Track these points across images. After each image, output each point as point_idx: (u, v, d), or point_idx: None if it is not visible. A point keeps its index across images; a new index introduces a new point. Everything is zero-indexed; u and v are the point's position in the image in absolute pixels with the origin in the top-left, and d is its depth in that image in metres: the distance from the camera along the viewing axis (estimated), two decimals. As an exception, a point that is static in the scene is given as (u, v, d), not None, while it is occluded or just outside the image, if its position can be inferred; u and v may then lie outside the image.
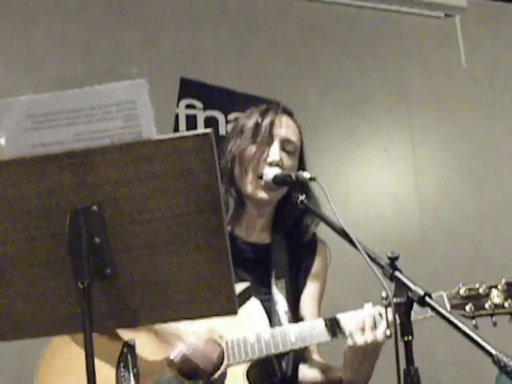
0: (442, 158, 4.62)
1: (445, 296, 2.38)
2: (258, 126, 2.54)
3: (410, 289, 1.92)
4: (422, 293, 1.90)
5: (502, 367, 1.68)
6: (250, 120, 2.57)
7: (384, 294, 2.22)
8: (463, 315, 2.35)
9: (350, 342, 2.32)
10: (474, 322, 2.34)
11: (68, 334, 2.07)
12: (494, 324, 2.32)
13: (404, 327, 1.93)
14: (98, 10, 4.12)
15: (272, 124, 2.54)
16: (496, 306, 2.35)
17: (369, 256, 2.05)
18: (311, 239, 2.64)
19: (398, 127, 4.62)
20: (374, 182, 4.54)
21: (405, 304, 1.93)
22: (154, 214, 1.61)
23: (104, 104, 1.61)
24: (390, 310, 1.96)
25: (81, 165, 1.61)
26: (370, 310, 2.34)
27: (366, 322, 2.31)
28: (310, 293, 2.63)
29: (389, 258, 2.01)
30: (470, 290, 2.37)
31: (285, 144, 2.55)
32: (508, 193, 4.54)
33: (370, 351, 2.30)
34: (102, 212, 1.62)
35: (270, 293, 2.51)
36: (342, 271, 4.06)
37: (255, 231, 2.61)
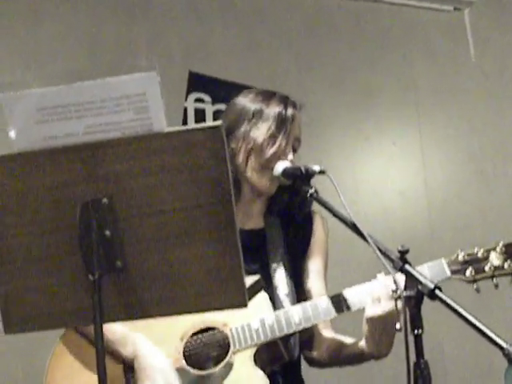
0: (451, 152, 4.61)
1: (444, 262, 2.37)
2: (282, 117, 2.48)
3: (419, 282, 1.92)
4: (431, 286, 1.90)
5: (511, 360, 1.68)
6: (270, 107, 2.50)
7: (394, 288, 2.23)
8: (464, 280, 2.34)
9: (368, 313, 2.31)
10: (475, 286, 2.34)
11: (79, 325, 2.08)
12: (477, 291, 2.31)
13: (414, 320, 1.93)
14: (105, 4, 4.12)
15: (293, 120, 2.50)
16: (496, 267, 2.33)
17: (379, 249, 2.05)
18: (305, 215, 2.59)
19: (406, 122, 4.61)
20: (382, 177, 4.53)
21: (415, 297, 1.93)
22: (164, 206, 1.61)
23: (115, 96, 1.62)
24: (399, 304, 1.97)
25: (91, 157, 1.61)
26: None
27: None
28: (313, 268, 2.59)
29: (399, 252, 2.01)
30: (468, 254, 2.36)
31: (295, 143, 2.53)
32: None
33: (389, 321, 2.27)
34: (113, 205, 1.62)
35: (269, 277, 2.49)
36: (351, 265, 4.07)
37: (251, 218, 2.58)
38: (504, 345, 1.71)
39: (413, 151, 4.58)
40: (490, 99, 4.63)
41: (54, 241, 1.63)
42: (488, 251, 2.37)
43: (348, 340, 2.51)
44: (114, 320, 1.69)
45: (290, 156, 2.49)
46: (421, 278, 1.93)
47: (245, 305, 1.64)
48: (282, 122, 2.49)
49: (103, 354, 1.57)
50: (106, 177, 1.62)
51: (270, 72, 4.35)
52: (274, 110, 2.50)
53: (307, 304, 2.40)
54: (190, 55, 4.27)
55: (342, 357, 2.53)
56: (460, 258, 2.37)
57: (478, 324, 1.78)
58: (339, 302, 2.37)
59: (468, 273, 2.35)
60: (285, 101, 2.53)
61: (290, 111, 2.51)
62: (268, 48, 4.44)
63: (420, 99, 4.59)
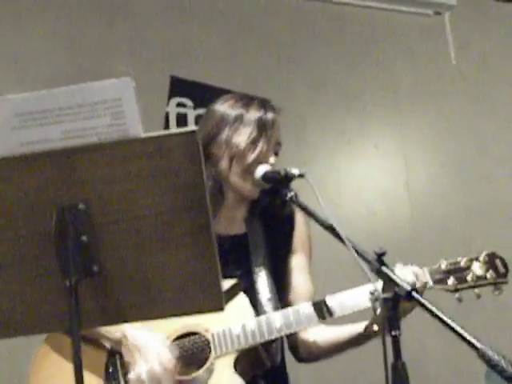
0: (432, 154, 4.64)
1: (427, 271, 2.39)
2: (262, 122, 2.50)
3: (396, 284, 1.94)
4: (408, 288, 1.92)
5: (487, 361, 1.70)
6: (250, 112, 2.52)
7: (372, 290, 2.24)
8: (446, 290, 2.36)
9: None
10: (457, 295, 2.36)
11: (57, 331, 2.08)
12: (459, 300, 2.33)
13: (392, 322, 1.94)
14: (87, 9, 4.12)
15: (273, 124, 2.52)
16: (478, 277, 2.36)
17: (356, 252, 2.06)
18: (287, 215, 2.60)
19: (388, 124, 4.64)
20: (365, 179, 4.55)
21: (392, 299, 1.94)
22: (141, 211, 1.62)
23: (91, 102, 1.62)
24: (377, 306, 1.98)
25: (68, 163, 1.62)
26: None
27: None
28: (296, 264, 2.61)
29: (376, 254, 2.02)
30: (451, 263, 2.39)
31: (276, 146, 2.55)
32: (497, 188, 4.56)
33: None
34: (89, 210, 1.62)
35: (251, 282, 2.51)
36: (333, 268, 4.09)
37: (235, 223, 2.60)
38: (479, 345, 1.72)
39: (394, 153, 4.60)
40: (470, 101, 4.67)
41: (30, 246, 1.63)
42: (471, 260, 2.39)
43: (338, 332, 2.52)
44: (91, 325, 1.69)
45: (272, 160, 2.51)
46: (398, 280, 1.95)
47: (221, 308, 1.65)
48: (262, 127, 2.50)
49: (80, 359, 1.57)
50: (82, 182, 1.63)
51: (253, 76, 4.37)
52: (254, 114, 2.51)
53: (289, 310, 2.41)
54: (172, 60, 4.28)
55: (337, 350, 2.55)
56: (443, 267, 2.39)
57: (453, 325, 1.79)
58: (321, 309, 2.39)
59: (450, 282, 2.37)
60: (265, 105, 2.55)
61: (270, 115, 2.53)
62: (250, 52, 4.46)
63: (401, 102, 4.62)
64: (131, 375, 2.30)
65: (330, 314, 2.38)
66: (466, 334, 1.76)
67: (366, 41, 4.64)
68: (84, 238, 1.62)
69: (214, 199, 2.50)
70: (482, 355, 1.71)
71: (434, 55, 4.67)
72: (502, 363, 1.69)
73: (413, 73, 4.66)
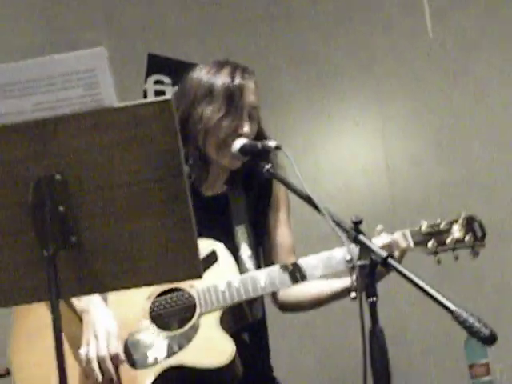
0: (411, 128, 4.65)
1: (408, 233, 2.43)
2: (229, 93, 2.49)
3: (372, 251, 1.96)
4: (384, 254, 1.94)
5: (462, 323, 1.72)
6: (218, 82, 2.51)
7: (348, 257, 2.27)
8: (426, 252, 2.40)
9: None
10: (436, 257, 2.40)
11: (36, 302, 2.09)
12: (438, 262, 2.37)
13: (368, 289, 1.96)
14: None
15: (242, 91, 2.51)
16: (457, 240, 2.41)
17: (333, 221, 2.08)
18: (266, 181, 2.62)
19: (366, 99, 4.64)
20: (344, 154, 4.57)
21: (369, 266, 1.96)
22: (117, 181, 1.63)
23: (64, 73, 1.62)
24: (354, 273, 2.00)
25: (42, 134, 1.62)
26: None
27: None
28: (276, 220, 2.65)
29: (353, 222, 2.04)
30: (431, 226, 2.43)
31: (251, 111, 2.55)
32: (475, 161, 4.57)
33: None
34: (66, 181, 1.63)
35: (232, 240, 2.53)
36: (308, 240, 4.11)
37: (214, 185, 2.61)
38: (453, 308, 1.75)
39: (373, 129, 4.62)
40: (448, 75, 4.67)
41: (8, 218, 1.64)
42: (450, 223, 2.43)
43: (321, 286, 2.56)
44: (70, 295, 1.70)
45: (246, 128, 2.50)
46: (374, 248, 1.97)
47: (199, 276, 1.67)
48: (230, 97, 2.50)
49: (60, 327, 1.58)
50: (57, 153, 1.63)
51: (230, 52, 4.32)
52: (222, 85, 2.50)
53: (274, 268, 2.43)
54: (149, 37, 4.27)
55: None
56: (423, 228, 2.43)
57: (428, 289, 1.82)
58: (298, 271, 2.41)
59: (430, 244, 2.40)
60: (233, 72, 2.54)
61: (237, 81, 2.51)
62: (228, 28, 4.45)
63: (379, 76, 4.62)
64: (81, 350, 2.33)
65: (303, 277, 2.41)
66: (440, 297, 1.78)
67: (342, 15, 4.64)
68: (61, 208, 1.63)
69: (202, 170, 2.54)
70: (456, 317, 1.73)
71: (411, 28, 4.67)
72: (477, 325, 1.72)
73: (391, 48, 4.66)
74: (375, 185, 4.57)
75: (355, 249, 2.04)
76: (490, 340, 1.73)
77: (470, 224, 2.44)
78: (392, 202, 4.53)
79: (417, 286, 1.84)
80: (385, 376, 1.91)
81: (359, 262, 1.97)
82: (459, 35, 4.73)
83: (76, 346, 2.36)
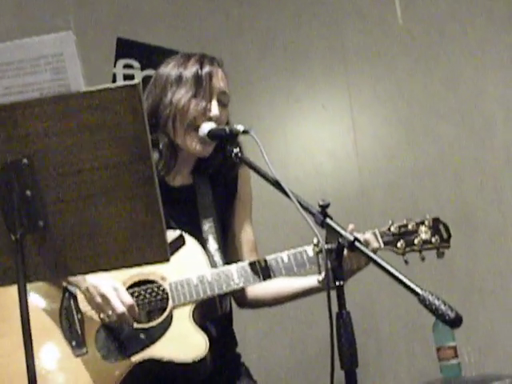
0: (380, 114, 4.67)
1: (378, 233, 2.47)
2: (198, 77, 2.54)
3: (340, 235, 1.98)
4: (351, 238, 1.96)
5: (427, 305, 1.75)
6: (187, 70, 2.56)
7: (315, 241, 2.29)
8: (395, 252, 2.45)
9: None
10: (405, 257, 2.44)
11: (3, 286, 2.09)
12: (406, 262, 2.42)
13: (335, 272, 1.98)
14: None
15: (211, 76, 2.56)
16: (424, 241, 2.46)
17: (301, 205, 2.09)
18: (232, 178, 2.68)
19: (335, 84, 4.65)
20: (313, 139, 4.57)
21: (336, 250, 1.98)
22: (84, 165, 1.63)
23: (32, 57, 1.62)
24: (321, 257, 2.02)
25: (9, 118, 1.62)
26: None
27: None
28: (240, 218, 2.70)
29: (320, 206, 2.06)
30: (400, 226, 2.48)
31: (221, 96, 2.57)
32: (444, 147, 4.60)
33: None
34: (33, 165, 1.64)
35: (199, 232, 2.54)
36: (276, 225, 4.14)
37: (181, 175, 2.63)
38: (419, 291, 1.77)
39: (342, 113, 4.62)
40: (418, 60, 4.69)
41: (-25, 202, 1.64)
42: (417, 225, 2.49)
43: (288, 284, 2.59)
44: (38, 279, 1.70)
45: (215, 109, 2.53)
46: (341, 231, 1.99)
47: (167, 260, 1.68)
48: (198, 82, 2.54)
49: (27, 311, 1.58)
50: (25, 138, 1.63)
51: (200, 36, 4.35)
52: (190, 71, 2.56)
53: (247, 264, 2.45)
54: (118, 21, 4.24)
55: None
56: (392, 229, 2.48)
57: (395, 273, 1.83)
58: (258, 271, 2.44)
59: (399, 245, 2.45)
60: (201, 60, 2.59)
61: (206, 69, 2.56)
62: (197, 12, 4.43)
63: (349, 62, 4.64)
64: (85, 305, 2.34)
65: (274, 274, 2.43)
66: (407, 281, 1.81)
67: (313, 1, 4.64)
68: (28, 192, 1.63)
69: (170, 157, 2.56)
70: (422, 300, 1.76)
71: (381, 15, 4.69)
72: (443, 307, 1.74)
73: (360, 33, 4.67)
74: (344, 169, 4.58)
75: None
76: (456, 322, 1.75)
77: (436, 226, 2.51)
78: (361, 186, 4.55)
79: (384, 269, 1.86)
80: (351, 359, 1.94)
81: (326, 246, 1.98)
82: (428, 21, 4.75)
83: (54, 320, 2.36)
